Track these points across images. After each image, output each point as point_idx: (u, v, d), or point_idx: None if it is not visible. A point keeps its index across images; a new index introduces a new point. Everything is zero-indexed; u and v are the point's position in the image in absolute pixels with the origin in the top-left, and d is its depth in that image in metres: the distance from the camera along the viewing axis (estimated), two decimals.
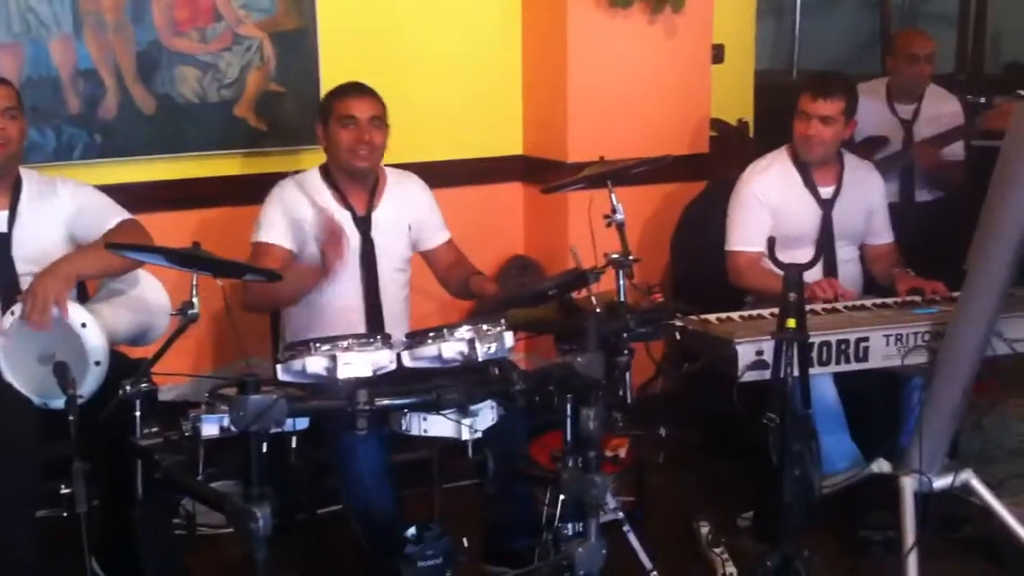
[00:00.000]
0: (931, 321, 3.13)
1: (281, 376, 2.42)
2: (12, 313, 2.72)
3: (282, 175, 3.32)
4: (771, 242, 2.84)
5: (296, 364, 2.40)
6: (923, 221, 4.25)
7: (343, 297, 3.14)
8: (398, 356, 2.49)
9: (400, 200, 3.26)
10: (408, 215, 3.28)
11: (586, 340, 2.46)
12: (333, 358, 2.35)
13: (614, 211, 2.93)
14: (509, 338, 2.51)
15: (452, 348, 2.45)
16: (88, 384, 2.67)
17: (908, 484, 3.07)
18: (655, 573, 2.95)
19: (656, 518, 3.39)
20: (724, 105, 4.52)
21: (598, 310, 2.61)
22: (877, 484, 3.20)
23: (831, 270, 3.59)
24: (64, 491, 2.64)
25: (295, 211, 3.12)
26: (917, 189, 4.47)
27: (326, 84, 3.72)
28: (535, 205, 4.23)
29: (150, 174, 3.65)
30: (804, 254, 3.46)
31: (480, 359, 2.43)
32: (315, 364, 2.37)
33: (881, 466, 3.18)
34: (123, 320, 2.96)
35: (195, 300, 2.39)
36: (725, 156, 4.35)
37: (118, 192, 3.50)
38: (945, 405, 3.06)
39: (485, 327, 2.47)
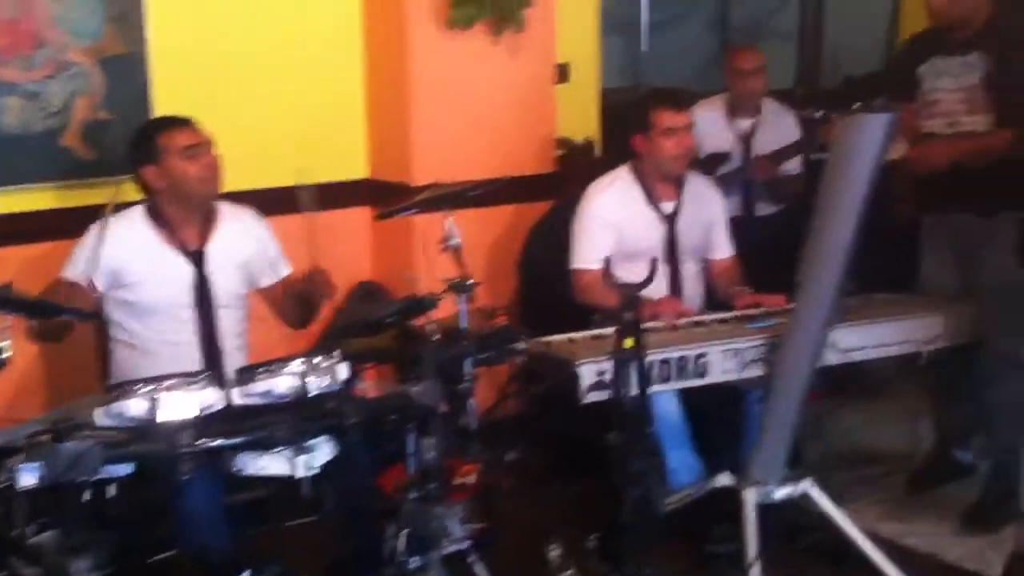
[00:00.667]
0: (768, 334, 3.19)
1: (101, 420, 2.31)
2: None
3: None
4: (607, 263, 2.86)
5: (116, 407, 2.29)
6: (764, 234, 4.35)
7: (176, 334, 3.04)
8: (227, 394, 2.41)
9: (235, 235, 3.17)
10: (244, 251, 3.18)
11: (422, 368, 2.43)
12: (154, 400, 2.26)
13: (449, 236, 2.91)
14: (343, 370, 2.45)
15: (283, 383, 2.39)
16: None
17: (750, 496, 3.12)
18: None
19: (508, 544, 3.36)
20: (570, 124, 4.54)
21: (435, 337, 2.58)
22: (723, 497, 3.24)
23: (676, 286, 3.64)
24: None
25: (110, 249, 2.94)
26: (757, 203, 4.58)
27: (159, 110, 3.63)
28: (382, 230, 4.18)
29: None
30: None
31: (312, 393, 2.37)
32: (136, 406, 2.27)
33: (724, 479, 3.22)
34: None
35: (3, 344, 2.26)
36: (572, 175, 4.37)
37: None
38: (782, 416, 3.13)
39: (317, 360, 2.41)
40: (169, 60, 3.72)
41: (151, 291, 3.04)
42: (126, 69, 3.62)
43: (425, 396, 2.39)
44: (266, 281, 3.24)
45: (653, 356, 3.02)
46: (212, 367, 3.01)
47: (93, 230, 3.01)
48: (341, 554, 2.86)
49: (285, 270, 3.27)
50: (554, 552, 3.21)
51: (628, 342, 2.64)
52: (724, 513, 3.25)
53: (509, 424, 3.63)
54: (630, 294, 2.66)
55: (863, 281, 3.64)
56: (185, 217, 3.09)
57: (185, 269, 3.06)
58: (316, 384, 2.38)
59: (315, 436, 2.36)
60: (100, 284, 3.01)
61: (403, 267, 4.03)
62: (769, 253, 4.03)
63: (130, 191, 3.11)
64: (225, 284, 3.12)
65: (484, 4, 3.92)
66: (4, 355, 2.27)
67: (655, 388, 3.06)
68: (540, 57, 4.20)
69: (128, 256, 3.01)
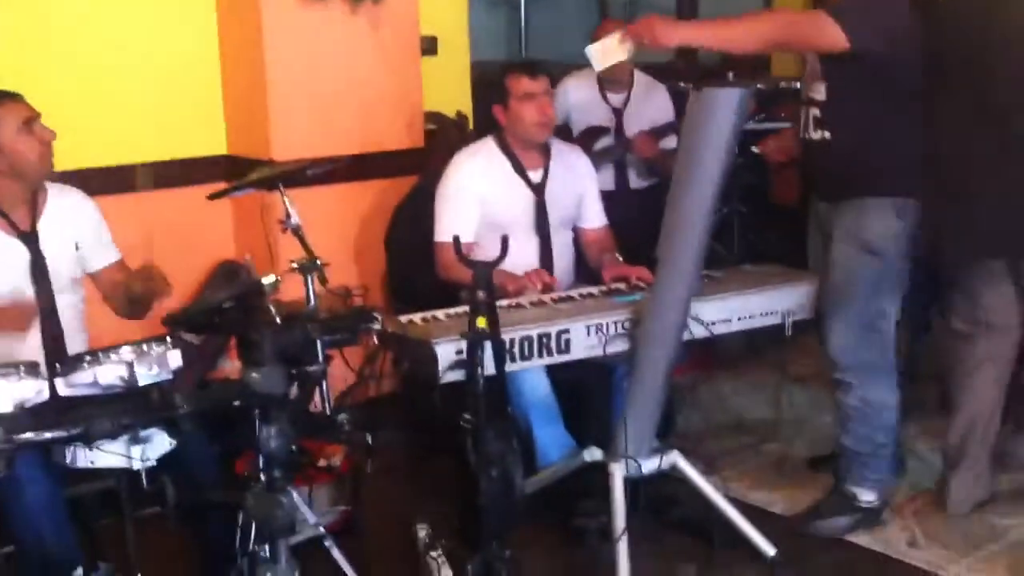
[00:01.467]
0: (632, 309, 3.15)
1: None
2: None
3: None
4: (456, 241, 2.78)
5: None
6: (638, 207, 4.31)
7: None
8: (51, 385, 2.27)
9: (65, 214, 2.99)
10: (75, 231, 3.00)
11: (261, 354, 2.31)
12: None
13: (288, 216, 2.79)
14: (175, 357, 2.32)
15: (110, 372, 2.25)
16: None
17: (617, 470, 3.09)
18: None
19: (375, 526, 3.29)
20: (442, 98, 4.45)
21: (277, 320, 2.46)
22: (595, 473, 3.20)
23: (547, 255, 3.59)
24: None
25: None
26: (631, 176, 4.55)
27: None
28: (243, 207, 4.03)
29: None
30: (522, 241, 3.48)
31: (141, 383, 2.24)
32: None
33: (593, 454, 3.18)
34: None
35: None
36: (445, 149, 4.27)
37: None
38: (648, 390, 3.10)
39: (146, 347, 2.28)
40: (7, 35, 3.52)
41: None
42: None
43: (264, 383, 2.27)
44: (96, 265, 3.06)
45: (514, 333, 2.97)
46: (54, 352, 2.86)
47: None
48: (192, 546, 2.76)
49: (115, 255, 3.09)
50: (422, 532, 3.14)
51: (481, 321, 2.56)
52: (595, 489, 3.24)
53: (376, 405, 3.55)
54: (483, 271, 2.57)
55: (757, 258, 3.67)
56: (15, 196, 2.91)
57: (20, 250, 2.89)
58: (145, 373, 2.24)
59: (144, 428, 2.23)
60: None
61: (262, 246, 3.90)
62: (643, 226, 4.00)
63: None
64: (60, 266, 2.95)
65: None
66: None
67: (516, 366, 3.01)
68: (403, 29, 4.10)
69: None
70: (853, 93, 3.08)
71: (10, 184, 2.89)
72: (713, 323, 3.22)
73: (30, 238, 2.91)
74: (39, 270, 2.91)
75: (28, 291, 2.89)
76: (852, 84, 3.07)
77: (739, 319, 3.29)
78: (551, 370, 3.28)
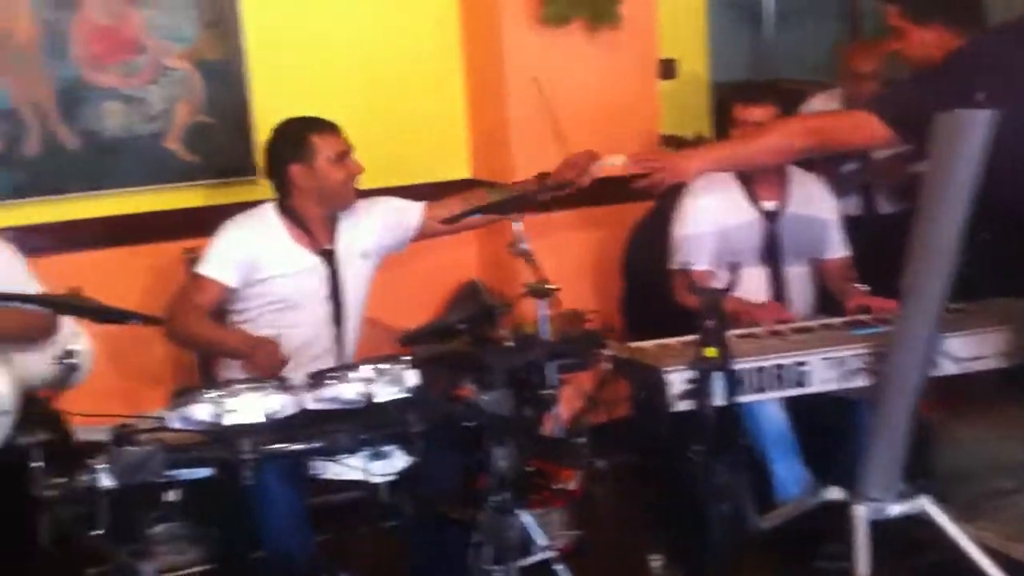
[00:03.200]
0: (874, 342, 3.00)
1: (173, 424, 2.32)
2: None
3: (216, 208, 3.24)
4: (686, 267, 2.74)
5: (185, 411, 2.29)
6: (886, 234, 4.11)
7: (312, 327, 3.12)
8: (300, 399, 2.39)
9: (356, 228, 3.22)
10: (367, 240, 3.24)
11: (491, 376, 2.36)
12: (220, 404, 2.25)
13: (517, 240, 2.83)
14: (412, 377, 2.39)
15: (351, 389, 2.35)
16: None
17: (861, 512, 2.95)
18: None
19: (605, 552, 3.27)
20: (681, 121, 4.41)
21: (509, 344, 2.50)
22: (835, 512, 3.08)
23: (779, 287, 3.48)
24: None
25: (246, 247, 3.07)
26: (879, 200, 4.35)
27: (259, 113, 3.67)
28: (485, 230, 4.12)
29: (77, 212, 3.56)
30: (752, 271, 3.40)
31: (379, 399, 2.33)
32: (202, 411, 2.26)
33: (833, 493, 3.06)
34: (36, 366, 2.87)
35: (76, 348, 2.30)
36: None
37: (46, 232, 3.48)
38: (892, 428, 2.94)
39: (385, 366, 2.36)
40: (267, 64, 3.75)
41: (286, 285, 3.09)
42: (224, 73, 3.66)
43: (495, 404, 2.31)
44: (414, 223, 3.33)
45: (747, 364, 2.88)
46: (340, 357, 3.12)
47: (227, 227, 3.10)
48: (417, 562, 2.82)
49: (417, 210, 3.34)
50: (656, 562, 3.10)
51: (710, 351, 2.51)
52: (835, 529, 3.11)
53: (609, 429, 3.54)
54: (711, 299, 2.52)
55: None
56: (318, 217, 3.15)
57: (319, 267, 3.13)
58: (383, 390, 2.33)
59: (381, 443, 2.32)
60: (233, 280, 3.06)
61: (509, 266, 3.99)
62: (891, 254, 3.83)
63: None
64: (353, 279, 3.18)
65: (577, 1, 3.83)
66: (76, 360, 2.30)
67: (749, 398, 2.93)
68: (640, 53, 4.08)
69: (262, 253, 3.08)
70: None
71: (314, 206, 3.13)
72: (967, 360, 3.02)
73: (328, 256, 3.15)
74: (335, 284, 3.15)
75: (322, 303, 3.12)
76: None
77: (993, 356, 3.07)
78: (789, 402, 3.18)
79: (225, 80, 3.66)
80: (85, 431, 2.63)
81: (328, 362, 3.05)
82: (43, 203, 3.50)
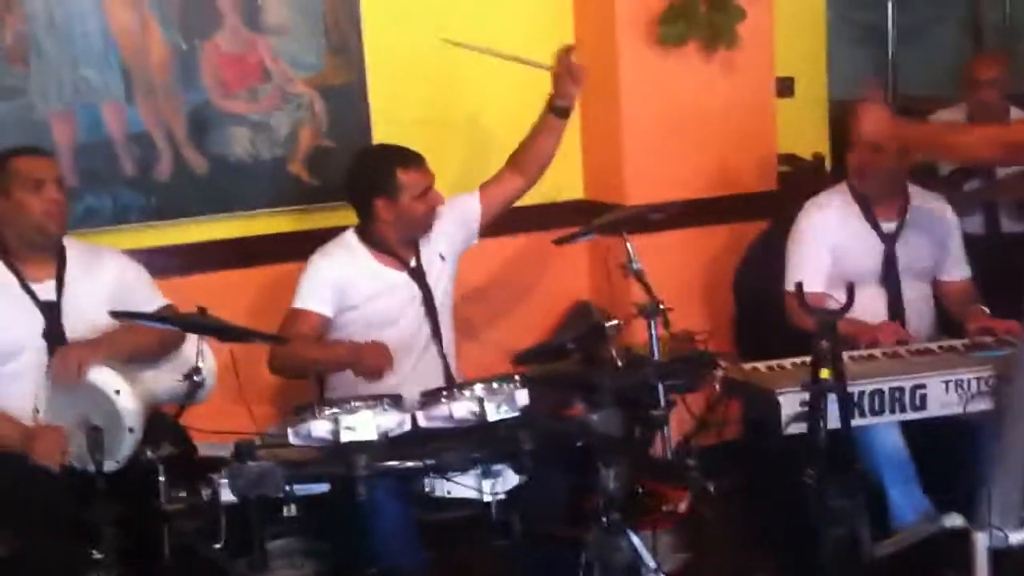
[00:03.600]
0: (996, 365, 2.93)
1: (292, 440, 2.41)
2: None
3: (337, 230, 3.33)
4: (799, 288, 2.71)
5: (303, 428, 2.38)
6: (1010, 253, 4.01)
7: (413, 339, 3.20)
8: (413, 417, 2.45)
9: (433, 238, 3.30)
10: (443, 247, 3.33)
11: (601, 396, 2.38)
12: (337, 421, 2.32)
13: (630, 260, 2.84)
14: (523, 396, 2.43)
15: (463, 408, 2.40)
16: (122, 450, 2.70)
17: (981, 540, 2.87)
18: None
19: (709, 575, 3.25)
20: (799, 139, 4.39)
21: (620, 364, 2.52)
22: (954, 540, 3.00)
23: (897, 309, 3.42)
24: (96, 556, 2.67)
25: (335, 275, 3.17)
26: (1004, 219, 4.23)
27: (379, 138, 3.75)
28: (597, 250, 4.15)
29: (206, 234, 3.70)
30: (869, 292, 3.34)
31: (490, 418, 2.37)
32: (320, 428, 2.34)
33: (953, 520, 2.98)
34: (164, 382, 2.99)
35: (202, 366, 2.40)
36: (800, 192, 4.18)
37: (176, 254, 3.62)
38: (1016, 455, 2.85)
39: (496, 385, 2.41)
40: (386, 88, 3.84)
41: (377, 305, 3.18)
42: (346, 98, 3.76)
43: (604, 424, 2.33)
44: (476, 213, 3.41)
45: (864, 386, 2.85)
46: (445, 368, 3.22)
47: (314, 260, 3.20)
48: None
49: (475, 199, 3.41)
50: None
51: (824, 372, 2.48)
52: (954, 556, 3.03)
53: (720, 451, 3.51)
54: (826, 320, 2.50)
55: None
56: (400, 240, 3.24)
57: (408, 283, 3.22)
58: (494, 410, 2.37)
59: (492, 462, 2.35)
60: (329, 310, 3.15)
61: (619, 287, 3.99)
62: (1016, 274, 3.72)
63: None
64: (439, 284, 3.28)
65: (695, 21, 3.83)
66: (200, 376, 2.40)
67: (865, 421, 2.88)
68: (757, 72, 4.07)
69: (351, 278, 3.17)
70: None
71: (395, 233, 3.21)
72: None
73: (415, 274, 3.24)
74: (426, 302, 3.23)
75: (416, 320, 3.21)
76: None
77: None
78: (907, 426, 3.11)
79: (347, 105, 3.76)
80: (206, 447, 2.75)
81: (431, 369, 3.14)
82: (173, 226, 3.65)
